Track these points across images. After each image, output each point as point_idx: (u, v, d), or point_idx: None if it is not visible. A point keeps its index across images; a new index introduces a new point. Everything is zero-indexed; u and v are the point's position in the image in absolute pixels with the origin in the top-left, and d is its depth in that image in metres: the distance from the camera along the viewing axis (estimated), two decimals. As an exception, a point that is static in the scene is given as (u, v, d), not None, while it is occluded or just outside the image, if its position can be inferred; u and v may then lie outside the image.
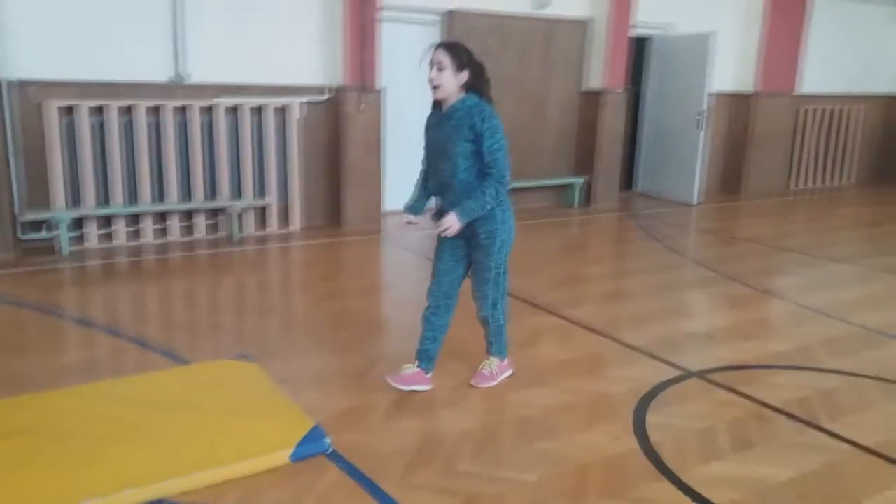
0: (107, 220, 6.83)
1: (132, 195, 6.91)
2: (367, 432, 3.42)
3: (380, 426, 3.50)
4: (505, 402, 3.78)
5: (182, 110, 7.00)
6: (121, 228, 6.86)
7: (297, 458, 3.10)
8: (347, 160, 7.72)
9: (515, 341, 4.24)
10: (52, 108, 6.39)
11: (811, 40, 10.89)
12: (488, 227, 3.62)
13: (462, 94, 3.55)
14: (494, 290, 3.77)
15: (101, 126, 6.67)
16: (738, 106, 10.77)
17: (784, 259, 7.21)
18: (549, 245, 7.61)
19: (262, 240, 7.34)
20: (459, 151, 3.51)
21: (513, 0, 8.75)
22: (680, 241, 8.03)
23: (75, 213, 6.56)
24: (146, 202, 6.92)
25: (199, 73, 7.09)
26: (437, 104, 3.67)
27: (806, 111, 11.38)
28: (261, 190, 7.53)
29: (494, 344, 3.97)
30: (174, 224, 7.10)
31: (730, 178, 11.01)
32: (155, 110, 6.87)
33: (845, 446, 3.40)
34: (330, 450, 3.17)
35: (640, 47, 10.30)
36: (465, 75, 3.52)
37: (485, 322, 3.89)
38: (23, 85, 6.37)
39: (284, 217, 7.70)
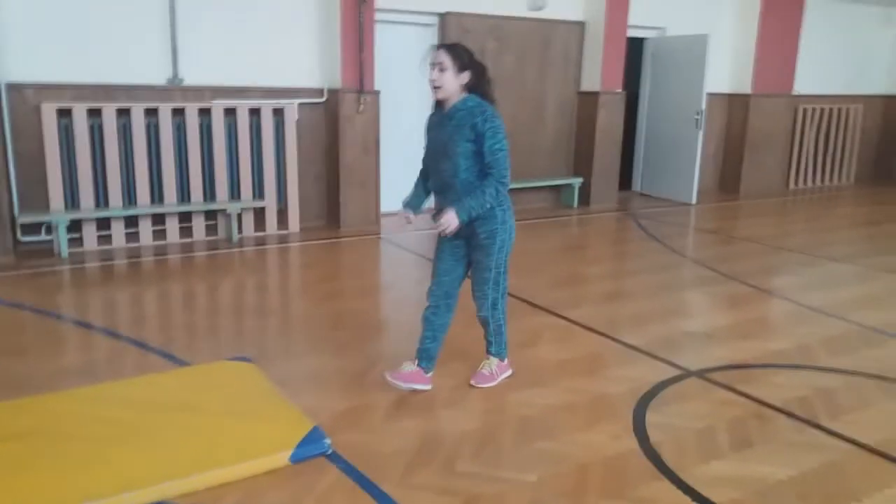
0: (105, 223, 6.83)
1: (130, 197, 6.91)
2: (366, 433, 3.41)
3: (379, 426, 3.49)
4: (505, 402, 3.78)
5: (179, 112, 7.00)
6: (119, 230, 6.85)
7: (297, 459, 3.09)
8: (345, 161, 7.72)
9: (515, 341, 4.23)
10: (50, 111, 6.39)
11: (806, 41, 10.90)
12: (488, 227, 3.62)
13: (464, 95, 3.56)
14: (494, 290, 3.77)
15: (99, 128, 6.66)
16: (736, 106, 10.79)
17: (783, 258, 7.21)
18: (549, 245, 7.61)
19: (261, 241, 7.33)
20: (461, 151, 3.51)
21: (509, 2, 8.77)
22: (679, 241, 8.03)
23: (73, 216, 6.55)
24: (144, 204, 6.92)
25: (196, 75, 7.09)
26: (438, 104, 3.67)
27: (804, 111, 11.40)
28: (259, 191, 7.53)
29: (494, 344, 3.97)
30: (172, 226, 7.10)
31: (728, 177, 11.03)
32: (152, 112, 6.87)
33: (845, 445, 3.39)
34: (329, 451, 3.17)
35: (636, 48, 10.31)
36: (466, 76, 3.53)
37: (484, 322, 3.89)
38: (20, 87, 6.36)
39: (282, 218, 7.70)
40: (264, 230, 7.58)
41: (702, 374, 4.19)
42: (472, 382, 3.93)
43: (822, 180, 12.11)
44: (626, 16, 9.26)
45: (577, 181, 9.53)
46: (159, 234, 7.07)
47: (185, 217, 7.18)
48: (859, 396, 3.96)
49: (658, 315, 5.26)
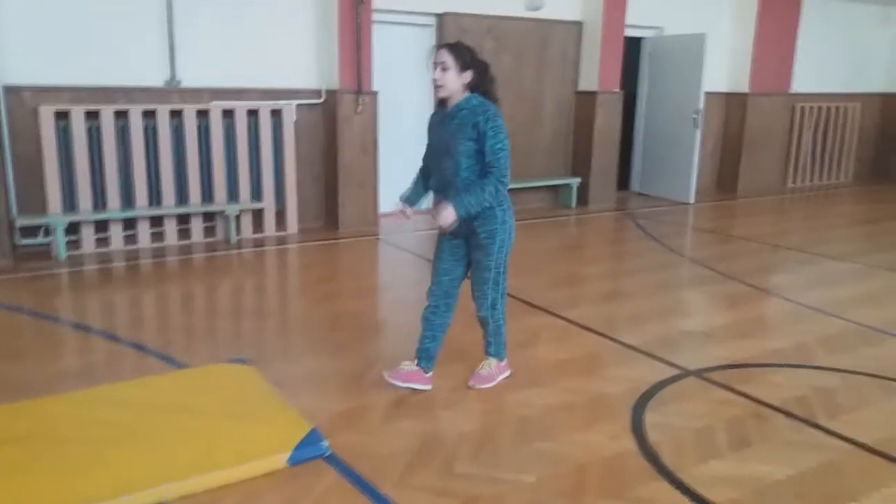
0: (103, 225, 6.82)
1: (128, 199, 6.90)
2: (365, 434, 3.41)
3: (378, 428, 3.49)
4: (503, 403, 3.78)
5: (177, 114, 6.99)
6: (117, 233, 6.85)
7: (295, 461, 3.09)
8: (343, 162, 7.72)
9: (514, 341, 4.23)
10: (47, 113, 6.38)
11: (804, 40, 10.91)
12: (488, 226, 3.63)
13: (466, 94, 3.57)
14: (494, 291, 3.77)
15: (96, 130, 6.66)
16: (734, 105, 10.80)
17: (781, 257, 7.22)
18: (547, 245, 7.61)
19: (259, 243, 7.33)
20: (462, 150, 3.52)
21: (507, 2, 8.77)
22: (677, 240, 8.03)
23: (71, 218, 6.55)
24: (142, 206, 6.91)
25: (194, 76, 7.08)
26: (441, 103, 3.68)
27: (801, 109, 11.41)
28: (257, 193, 7.52)
29: (493, 344, 3.97)
30: (170, 228, 7.09)
31: (726, 176, 11.04)
32: (150, 114, 6.86)
33: (843, 444, 3.40)
34: (328, 453, 3.17)
35: (634, 48, 10.32)
36: (468, 75, 3.53)
37: (483, 322, 3.89)
38: (17, 90, 6.36)
39: (281, 220, 7.69)
40: (263, 231, 7.57)
41: (700, 373, 4.19)
42: (471, 383, 3.93)
43: (820, 179, 12.12)
44: (624, 15, 9.26)
45: (575, 181, 9.54)
46: (157, 236, 7.07)
47: (183, 219, 7.18)
48: (858, 396, 3.96)
49: (656, 315, 5.26)
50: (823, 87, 11.72)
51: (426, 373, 3.89)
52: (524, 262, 6.40)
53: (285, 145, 7.56)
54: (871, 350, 4.64)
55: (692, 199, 9.95)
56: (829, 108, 11.80)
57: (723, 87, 10.72)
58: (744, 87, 10.66)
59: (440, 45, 3.64)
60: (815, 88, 11.54)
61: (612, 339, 4.75)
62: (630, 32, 9.71)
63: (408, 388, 3.84)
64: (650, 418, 3.60)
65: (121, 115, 6.74)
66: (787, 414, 3.69)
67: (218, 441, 3.20)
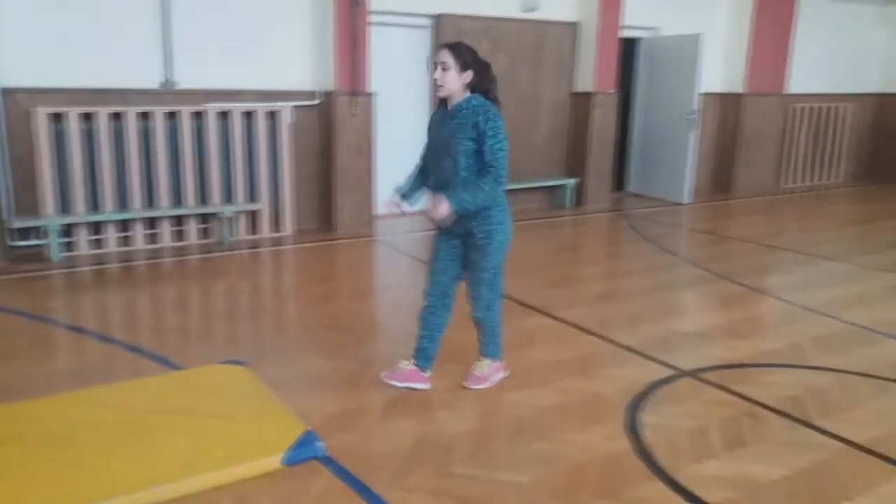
0: (97, 227, 6.81)
1: (122, 201, 6.89)
2: (360, 435, 3.42)
3: (373, 428, 3.50)
4: (499, 403, 3.78)
5: (172, 116, 6.99)
6: (111, 234, 6.84)
7: (290, 462, 3.09)
8: (339, 164, 7.72)
9: (509, 342, 4.24)
10: (41, 115, 6.37)
11: (799, 40, 10.94)
12: (485, 227, 3.63)
13: (467, 94, 3.59)
14: (489, 291, 3.78)
15: (91, 132, 6.65)
16: (728, 105, 10.82)
17: (776, 257, 7.23)
18: (542, 246, 7.62)
19: (254, 244, 7.32)
20: (462, 150, 3.53)
21: (503, 3, 8.78)
22: (672, 241, 8.05)
23: (65, 220, 6.54)
24: (136, 208, 6.90)
25: (190, 78, 7.08)
26: (442, 103, 3.69)
27: (795, 110, 11.44)
28: (252, 194, 7.52)
29: (488, 345, 3.97)
30: (165, 229, 7.09)
31: (721, 177, 11.07)
32: (145, 116, 6.86)
33: (837, 444, 3.41)
34: (323, 453, 3.17)
35: (630, 49, 10.34)
36: (468, 75, 3.55)
37: (479, 323, 3.89)
38: (11, 92, 6.35)
39: (276, 221, 7.69)
40: (258, 233, 7.57)
41: (695, 373, 4.20)
42: (466, 384, 3.94)
43: (814, 179, 12.15)
44: (619, 16, 9.28)
45: (570, 182, 9.55)
46: (152, 237, 7.06)
47: (178, 220, 7.17)
48: (851, 395, 3.97)
49: (652, 315, 5.28)
50: (818, 88, 11.75)
51: (424, 372, 3.90)
52: (520, 262, 6.40)
53: (281, 147, 7.56)
54: (865, 350, 4.65)
55: (687, 200, 9.98)
56: (823, 109, 11.84)
57: (718, 87, 10.75)
58: (739, 87, 10.69)
59: (441, 45, 3.66)
60: (809, 89, 11.58)
61: (607, 339, 4.76)
62: (626, 33, 9.74)
63: (406, 387, 3.84)
64: (645, 418, 3.61)
65: (116, 117, 6.73)
66: (782, 414, 3.70)
67: (212, 442, 3.20)
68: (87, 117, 6.61)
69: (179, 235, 7.19)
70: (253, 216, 7.53)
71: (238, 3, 7.26)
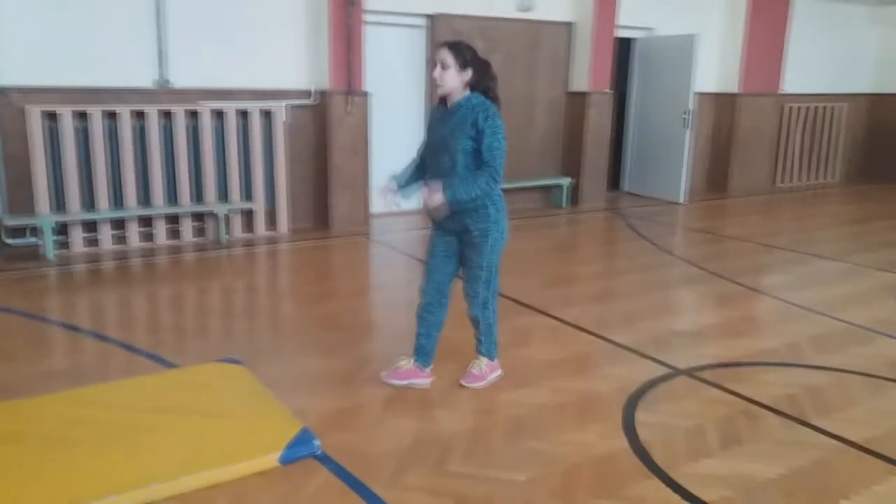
0: (92, 225, 6.79)
1: (117, 199, 6.87)
2: (357, 433, 3.41)
3: (370, 427, 3.49)
4: (495, 402, 3.78)
5: (167, 115, 6.97)
6: (106, 233, 6.82)
7: (287, 460, 3.08)
8: (334, 163, 7.71)
9: (505, 341, 4.23)
10: (36, 114, 6.34)
11: (793, 40, 10.97)
12: (481, 225, 3.63)
13: (467, 92, 3.59)
14: (485, 290, 3.78)
15: (86, 131, 6.62)
16: (724, 105, 10.85)
17: (771, 256, 7.25)
18: (538, 245, 7.61)
19: (249, 243, 7.31)
20: (460, 148, 3.54)
21: (498, 3, 8.78)
22: (668, 240, 8.06)
23: (60, 218, 6.52)
24: (132, 206, 6.88)
25: (184, 77, 7.06)
26: (442, 101, 3.69)
27: (791, 110, 11.47)
28: (247, 193, 7.50)
29: (484, 343, 3.97)
30: (160, 228, 7.07)
31: (716, 176, 11.09)
32: (139, 115, 6.83)
33: (833, 442, 3.41)
34: (319, 452, 3.16)
35: (625, 48, 10.35)
36: (468, 73, 3.56)
37: (475, 321, 3.89)
38: (6, 91, 6.32)
39: (271, 220, 7.68)
40: (253, 232, 7.56)
41: (691, 372, 4.20)
42: (462, 382, 3.93)
43: (809, 178, 12.18)
44: (614, 16, 9.29)
45: (566, 181, 9.55)
46: (147, 236, 7.04)
47: (173, 219, 7.15)
48: (848, 394, 3.98)
49: (647, 314, 5.28)
50: (812, 88, 11.79)
51: (424, 369, 3.91)
52: (516, 261, 6.40)
53: (276, 146, 7.54)
54: (861, 349, 4.66)
55: (683, 199, 9.99)
56: (817, 109, 11.87)
57: (713, 87, 10.77)
58: (734, 87, 10.71)
59: (441, 44, 3.67)
60: (803, 89, 11.61)
61: (603, 338, 4.76)
62: (621, 33, 9.75)
63: (407, 385, 3.84)
64: (641, 417, 3.61)
65: (110, 116, 6.70)
66: (778, 412, 3.70)
67: (209, 440, 3.19)
68: (82, 116, 6.58)
69: (174, 234, 7.17)
70: (248, 215, 7.52)
71: (233, 2, 7.24)
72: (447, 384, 3.95)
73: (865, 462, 3.25)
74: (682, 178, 9.95)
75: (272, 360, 4.28)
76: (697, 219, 9.25)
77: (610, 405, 3.76)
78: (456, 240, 3.76)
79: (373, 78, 7.89)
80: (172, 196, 7.13)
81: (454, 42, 3.65)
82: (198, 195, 7.24)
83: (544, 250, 7.48)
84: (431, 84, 3.65)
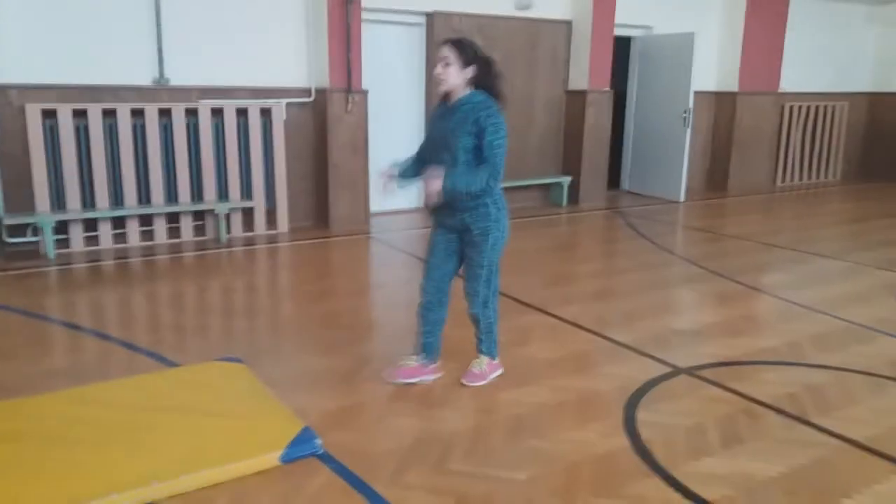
0: (91, 224, 6.78)
1: (117, 198, 6.86)
2: (358, 432, 3.41)
3: (371, 426, 3.49)
4: (496, 401, 3.77)
5: (166, 113, 6.96)
6: (106, 231, 6.81)
7: (288, 459, 3.08)
8: (333, 161, 7.70)
9: (506, 340, 4.23)
10: (34, 112, 6.33)
11: (791, 39, 10.97)
12: (481, 223, 3.63)
13: (469, 90, 3.59)
14: (486, 288, 3.78)
15: (84, 129, 6.62)
16: (723, 104, 10.85)
17: (771, 255, 7.24)
18: (538, 244, 7.61)
19: (249, 241, 7.30)
20: (461, 145, 3.53)
21: (497, 1, 8.77)
22: (667, 239, 8.05)
23: (59, 217, 6.51)
24: (131, 205, 6.88)
25: (183, 75, 7.05)
26: (444, 98, 3.68)
27: (790, 108, 11.47)
28: (247, 192, 7.50)
29: (484, 342, 3.97)
30: (160, 227, 7.06)
31: (716, 175, 11.10)
32: (138, 113, 6.82)
33: (834, 441, 3.41)
34: (321, 451, 3.16)
35: (624, 47, 10.34)
36: (470, 70, 3.56)
37: (475, 319, 3.89)
38: (4, 88, 6.31)
39: (271, 218, 7.67)
40: (253, 230, 7.55)
41: (692, 371, 4.20)
42: (463, 381, 3.93)
43: (809, 177, 12.19)
44: (613, 15, 9.29)
45: (565, 180, 9.55)
46: (147, 234, 7.04)
47: (172, 217, 7.15)
48: (848, 393, 3.97)
49: (648, 313, 5.27)
50: (811, 87, 11.80)
51: (429, 365, 3.93)
52: (516, 260, 6.40)
53: (275, 144, 7.53)
54: (862, 347, 4.66)
55: (682, 198, 9.99)
56: (817, 108, 11.88)
57: (712, 86, 10.78)
58: (733, 86, 10.71)
59: (443, 41, 3.67)
60: (803, 87, 11.62)
61: (603, 337, 4.76)
62: (620, 31, 9.74)
63: (418, 381, 3.88)
64: (642, 416, 3.61)
65: (109, 114, 6.70)
66: (779, 411, 3.70)
67: (209, 439, 3.19)
68: (80, 114, 6.57)
69: (174, 232, 7.16)
70: (248, 213, 7.51)
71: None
72: (448, 383, 3.94)
73: (867, 461, 3.25)
74: (681, 176, 9.95)
75: (273, 359, 4.27)
76: (697, 217, 9.25)
77: (610, 404, 3.76)
78: (457, 238, 3.75)
79: (371, 76, 7.88)
80: (172, 194, 7.12)
81: (457, 39, 3.65)
82: (197, 193, 7.24)
83: (544, 249, 7.47)
84: (431, 82, 3.64)
